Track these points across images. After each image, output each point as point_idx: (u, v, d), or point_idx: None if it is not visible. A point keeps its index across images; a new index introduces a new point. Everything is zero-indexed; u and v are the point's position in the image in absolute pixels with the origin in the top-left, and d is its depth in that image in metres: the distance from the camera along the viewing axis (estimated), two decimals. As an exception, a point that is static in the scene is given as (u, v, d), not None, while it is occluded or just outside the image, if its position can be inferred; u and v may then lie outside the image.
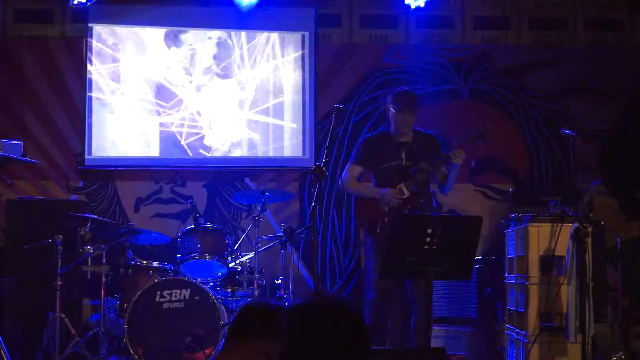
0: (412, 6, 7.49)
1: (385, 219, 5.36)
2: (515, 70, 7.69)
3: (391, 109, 5.50)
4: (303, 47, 7.60)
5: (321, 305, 2.26)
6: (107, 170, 7.51)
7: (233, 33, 7.59)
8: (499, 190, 7.60)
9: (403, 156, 5.45)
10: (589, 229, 5.02)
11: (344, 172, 5.87)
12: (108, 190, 7.51)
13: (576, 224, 4.96)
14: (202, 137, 7.51)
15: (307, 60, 7.58)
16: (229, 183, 7.57)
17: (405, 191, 5.33)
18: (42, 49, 7.49)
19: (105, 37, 7.48)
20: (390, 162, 5.47)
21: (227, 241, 6.04)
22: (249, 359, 2.44)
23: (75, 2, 7.20)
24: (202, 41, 7.57)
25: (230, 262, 5.97)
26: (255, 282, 5.83)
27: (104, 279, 5.80)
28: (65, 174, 7.48)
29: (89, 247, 5.88)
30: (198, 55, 7.57)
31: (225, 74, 7.58)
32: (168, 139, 7.48)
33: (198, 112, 7.52)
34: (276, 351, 2.40)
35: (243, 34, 7.60)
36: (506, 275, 6.10)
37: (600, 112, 7.62)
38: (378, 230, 5.41)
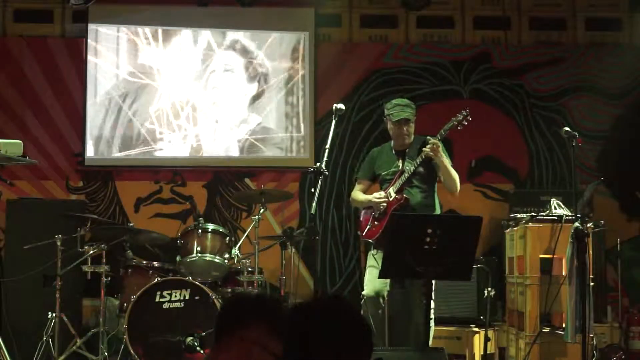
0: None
1: (375, 222, 5.34)
2: (515, 70, 7.69)
3: (388, 118, 5.45)
4: (303, 47, 7.60)
5: (323, 304, 2.25)
6: (107, 170, 7.52)
7: (233, 33, 7.59)
8: (499, 190, 7.60)
9: (400, 162, 5.41)
10: (589, 229, 5.02)
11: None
12: (108, 190, 7.51)
13: (576, 224, 4.96)
14: (202, 136, 7.52)
15: (307, 61, 7.58)
16: (229, 183, 7.58)
17: (392, 194, 5.29)
18: (42, 49, 7.50)
19: (104, 36, 7.48)
20: (390, 170, 5.44)
21: (227, 241, 6.04)
22: (245, 351, 2.41)
23: (73, 5, 7.20)
24: (202, 41, 7.57)
25: (230, 262, 5.96)
26: (255, 282, 5.83)
27: (104, 279, 5.80)
28: (65, 174, 7.48)
29: (88, 247, 5.88)
30: (198, 55, 7.57)
31: (225, 74, 7.58)
32: (167, 138, 7.48)
33: (198, 111, 7.53)
34: (270, 339, 2.39)
35: (243, 33, 7.60)
36: (506, 275, 6.11)
37: (600, 112, 7.62)
38: (364, 234, 5.41)
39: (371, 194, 5.47)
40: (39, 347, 5.65)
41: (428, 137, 5.21)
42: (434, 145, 5.13)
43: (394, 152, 5.47)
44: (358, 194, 5.56)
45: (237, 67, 7.59)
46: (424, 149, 5.17)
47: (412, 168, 5.23)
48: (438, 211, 5.45)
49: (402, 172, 5.30)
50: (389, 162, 5.45)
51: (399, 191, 5.28)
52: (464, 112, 5.14)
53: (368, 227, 5.39)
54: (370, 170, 5.58)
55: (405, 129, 5.36)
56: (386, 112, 5.45)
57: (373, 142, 7.25)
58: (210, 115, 7.55)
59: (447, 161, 5.27)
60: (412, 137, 5.43)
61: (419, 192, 5.31)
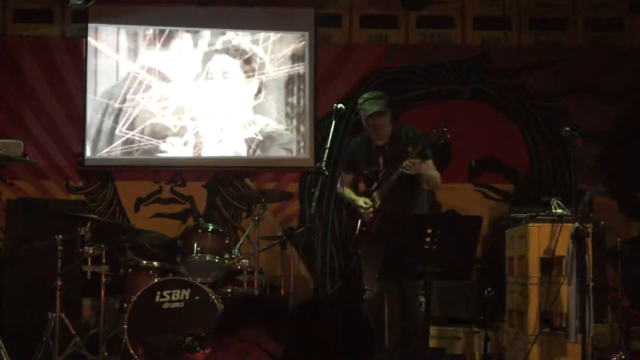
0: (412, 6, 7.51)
1: (364, 228, 5.33)
2: (515, 70, 7.69)
3: (361, 113, 5.43)
4: (303, 47, 7.60)
5: (323, 305, 2.25)
6: (107, 170, 7.52)
7: (233, 33, 7.59)
8: (499, 190, 7.60)
9: (380, 161, 5.37)
10: (589, 229, 5.02)
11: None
12: (108, 190, 7.51)
13: (576, 224, 4.96)
14: (201, 137, 7.51)
15: (307, 61, 7.58)
16: (229, 183, 7.58)
17: (377, 199, 5.26)
18: (42, 49, 7.50)
19: (104, 36, 7.48)
20: (370, 169, 5.41)
21: (227, 241, 6.04)
22: (242, 352, 2.42)
23: (73, 4, 7.20)
24: (203, 41, 7.57)
25: (230, 262, 5.96)
26: (255, 282, 5.83)
27: (104, 279, 5.80)
28: (65, 174, 7.48)
29: (89, 247, 5.88)
30: (199, 56, 7.56)
31: (226, 74, 7.57)
32: (169, 140, 7.48)
33: (199, 112, 7.52)
34: (269, 340, 2.39)
35: (243, 33, 7.60)
36: (506, 275, 6.11)
37: (600, 112, 7.62)
38: (356, 239, 5.40)
39: (358, 187, 5.47)
40: (39, 347, 5.64)
41: (406, 160, 5.10)
42: (409, 166, 5.05)
43: (373, 147, 5.42)
44: (345, 191, 5.53)
45: (237, 67, 7.58)
46: (404, 165, 5.07)
47: (394, 178, 5.18)
48: (425, 212, 5.44)
49: (387, 176, 5.24)
50: (369, 159, 5.41)
51: (384, 197, 5.24)
52: (442, 129, 4.98)
53: (358, 230, 5.38)
54: (351, 164, 5.55)
55: (379, 121, 5.31)
56: (358, 106, 5.41)
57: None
58: (212, 116, 7.54)
59: (425, 167, 5.22)
60: (389, 129, 5.38)
61: (405, 195, 5.27)
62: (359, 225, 5.37)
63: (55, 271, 5.70)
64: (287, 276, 6.14)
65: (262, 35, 7.60)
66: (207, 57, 7.56)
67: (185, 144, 7.49)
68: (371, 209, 5.25)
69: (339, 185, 5.67)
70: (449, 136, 5.03)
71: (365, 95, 5.40)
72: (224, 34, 7.58)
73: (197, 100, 7.53)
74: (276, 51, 7.60)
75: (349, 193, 5.49)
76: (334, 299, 2.29)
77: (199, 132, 7.50)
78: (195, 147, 7.50)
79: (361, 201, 5.32)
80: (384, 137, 5.35)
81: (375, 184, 5.32)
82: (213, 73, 7.56)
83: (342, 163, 5.67)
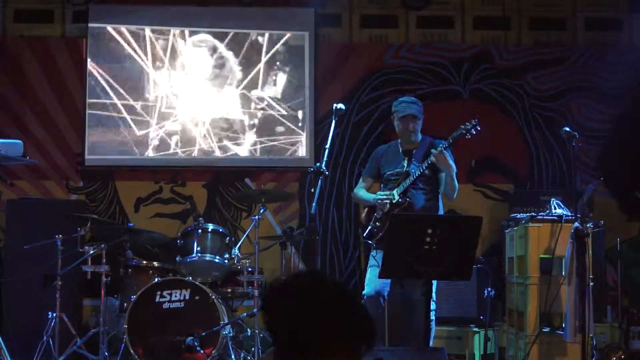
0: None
1: (377, 224, 5.34)
2: (515, 70, 7.69)
3: (395, 115, 5.48)
4: (303, 47, 7.60)
5: (295, 278, 2.16)
6: (107, 170, 7.52)
7: (233, 33, 7.59)
8: (499, 190, 7.60)
9: (405, 163, 5.41)
10: (589, 229, 5.02)
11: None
12: (108, 190, 7.51)
13: (576, 224, 4.96)
14: (200, 136, 7.51)
15: (307, 61, 7.58)
16: (229, 183, 7.58)
17: (396, 195, 5.29)
18: (42, 49, 7.50)
19: (105, 36, 7.48)
20: (395, 170, 5.45)
21: (227, 241, 6.04)
22: None
23: (74, 4, 7.21)
24: (203, 41, 7.57)
25: (230, 262, 5.96)
26: (255, 282, 5.83)
27: (104, 279, 5.80)
28: (65, 174, 7.48)
29: (89, 247, 5.87)
30: (199, 55, 7.56)
31: (225, 74, 7.57)
32: (165, 138, 7.48)
33: (200, 112, 7.53)
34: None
35: (243, 33, 7.60)
36: (506, 275, 6.11)
37: (600, 112, 7.62)
38: (365, 235, 5.42)
39: (374, 192, 5.48)
40: (39, 347, 5.64)
41: (442, 144, 5.19)
42: (437, 154, 5.13)
43: (401, 151, 5.47)
44: (361, 192, 5.58)
45: (236, 66, 7.58)
46: (432, 151, 5.16)
47: (418, 172, 5.22)
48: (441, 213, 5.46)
49: (408, 174, 5.29)
50: (394, 162, 5.46)
51: (403, 193, 5.28)
52: (473, 121, 5.12)
53: (370, 227, 5.40)
54: (375, 168, 5.60)
55: (411, 125, 5.38)
56: (393, 109, 5.49)
57: (373, 142, 7.26)
58: (212, 115, 7.54)
59: (450, 168, 5.26)
60: (419, 135, 5.44)
61: (423, 194, 5.32)
62: (371, 222, 5.38)
63: (55, 271, 5.70)
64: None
65: (262, 35, 7.59)
66: (211, 54, 7.56)
67: (188, 143, 7.48)
68: (389, 199, 5.28)
69: (355, 187, 5.70)
70: (480, 128, 5.08)
71: (400, 99, 5.54)
72: (226, 33, 7.58)
73: (199, 100, 7.53)
74: (276, 51, 7.59)
75: (362, 194, 5.55)
76: (306, 273, 2.21)
77: (201, 132, 7.50)
78: (197, 147, 7.49)
79: (379, 193, 5.37)
80: (413, 143, 5.41)
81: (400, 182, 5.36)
82: (216, 69, 7.56)
83: (366, 168, 5.72)
